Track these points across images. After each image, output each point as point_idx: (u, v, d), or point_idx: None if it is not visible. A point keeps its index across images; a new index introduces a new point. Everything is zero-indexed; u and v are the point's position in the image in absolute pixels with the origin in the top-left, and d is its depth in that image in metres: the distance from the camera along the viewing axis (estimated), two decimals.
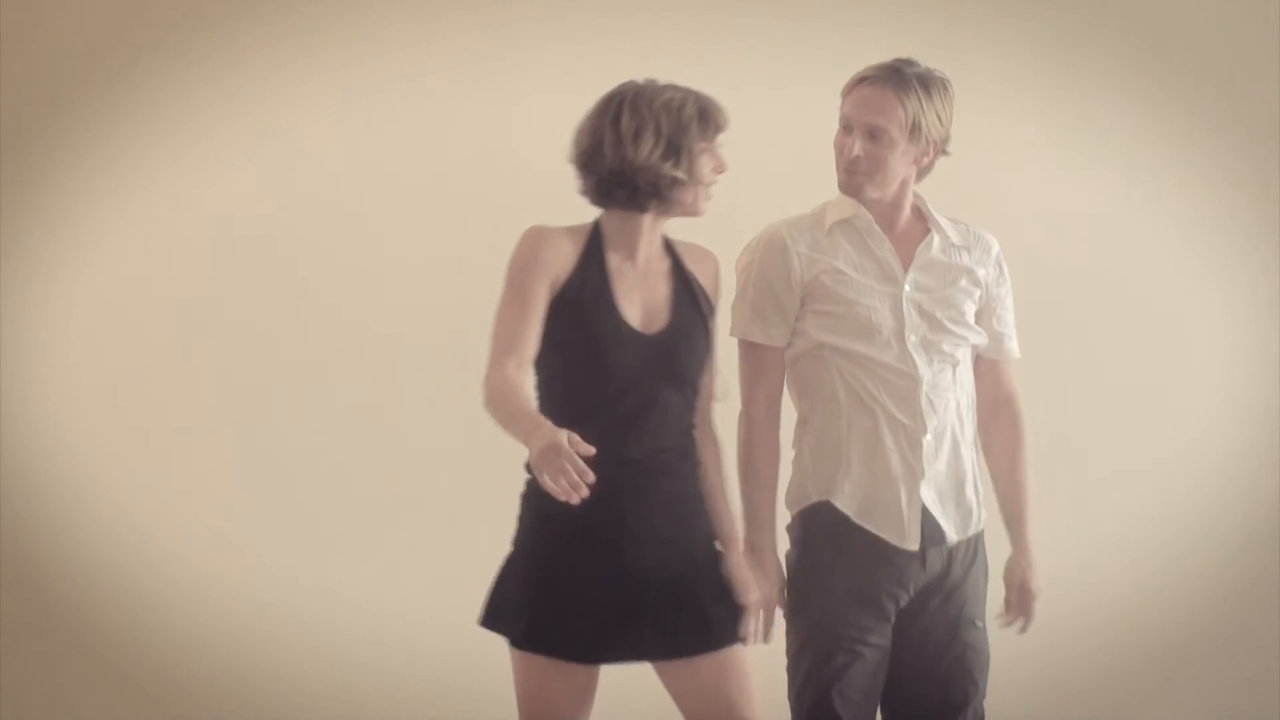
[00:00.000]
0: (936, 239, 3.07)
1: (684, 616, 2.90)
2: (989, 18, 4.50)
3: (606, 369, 2.90)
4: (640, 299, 2.95)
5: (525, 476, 2.94)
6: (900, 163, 3.00)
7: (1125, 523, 4.55)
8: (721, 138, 2.95)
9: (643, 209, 2.95)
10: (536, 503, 2.89)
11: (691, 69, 4.13)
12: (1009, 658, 4.44)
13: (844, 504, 2.98)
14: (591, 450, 2.65)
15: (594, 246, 2.95)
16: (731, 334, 3.07)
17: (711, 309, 3.01)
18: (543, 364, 2.93)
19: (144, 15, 4.30)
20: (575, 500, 2.65)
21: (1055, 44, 4.54)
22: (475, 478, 4.16)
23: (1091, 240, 4.57)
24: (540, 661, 2.89)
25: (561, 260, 2.92)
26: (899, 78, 2.97)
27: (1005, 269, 3.15)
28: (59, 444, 4.29)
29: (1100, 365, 4.58)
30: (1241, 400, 4.61)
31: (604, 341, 2.90)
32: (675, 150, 2.91)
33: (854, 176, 3.00)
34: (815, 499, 3.02)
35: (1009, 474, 3.14)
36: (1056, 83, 4.52)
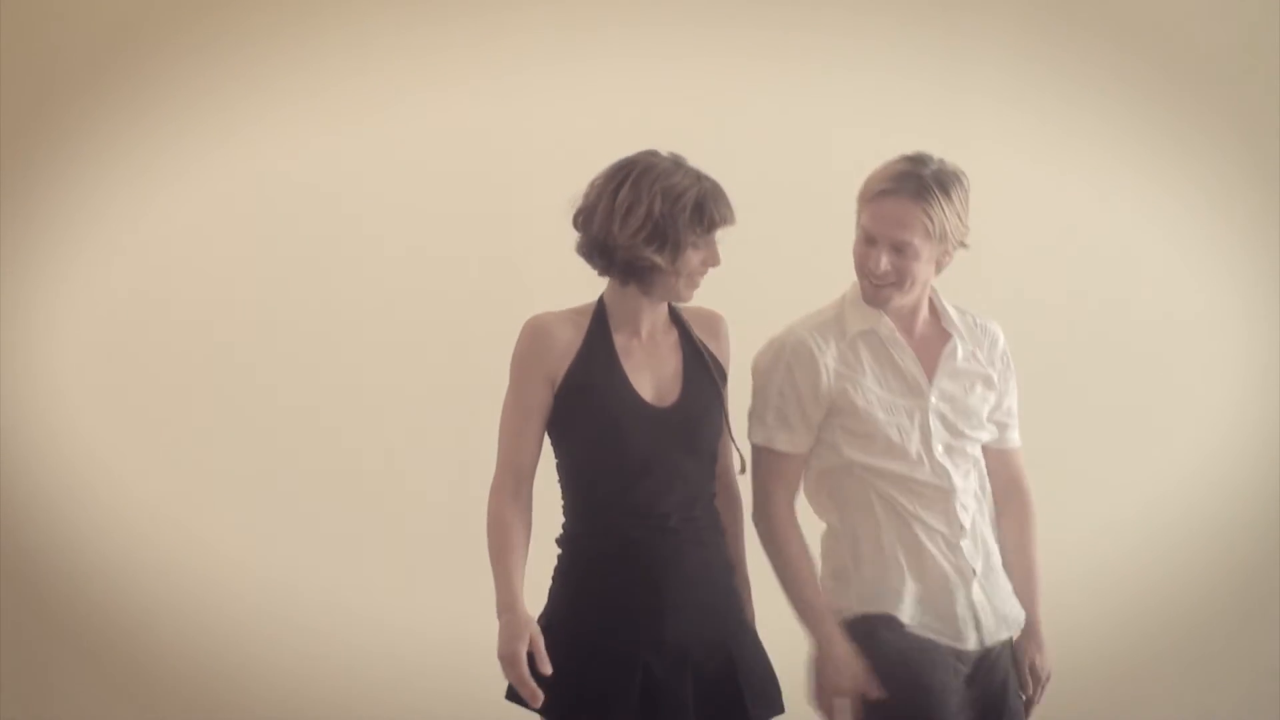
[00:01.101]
0: (960, 348, 3.02)
1: (723, 688, 2.87)
2: (989, 29, 4.49)
3: (626, 447, 2.86)
4: (651, 373, 2.92)
5: (558, 551, 2.93)
6: (926, 269, 2.94)
7: (1125, 522, 4.54)
8: (720, 233, 2.88)
9: (622, 284, 2.91)
10: (571, 577, 2.88)
11: (691, 82, 4.17)
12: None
13: (906, 615, 2.93)
14: (548, 669, 2.71)
15: (598, 326, 2.92)
16: (752, 439, 3.00)
17: (723, 375, 2.97)
18: (562, 450, 2.92)
19: (145, 20, 4.29)
20: (534, 705, 2.73)
21: (1055, 55, 4.54)
22: (477, 479, 4.18)
23: (1093, 247, 4.56)
24: None
25: (560, 349, 2.89)
26: (919, 185, 2.88)
27: (1009, 359, 3.11)
28: (59, 445, 4.28)
29: (1100, 366, 4.56)
30: (1241, 401, 4.60)
31: (620, 420, 2.86)
32: (661, 236, 2.84)
33: (881, 290, 2.93)
34: (861, 611, 2.96)
35: (1020, 557, 3.10)
36: (1056, 94, 4.52)
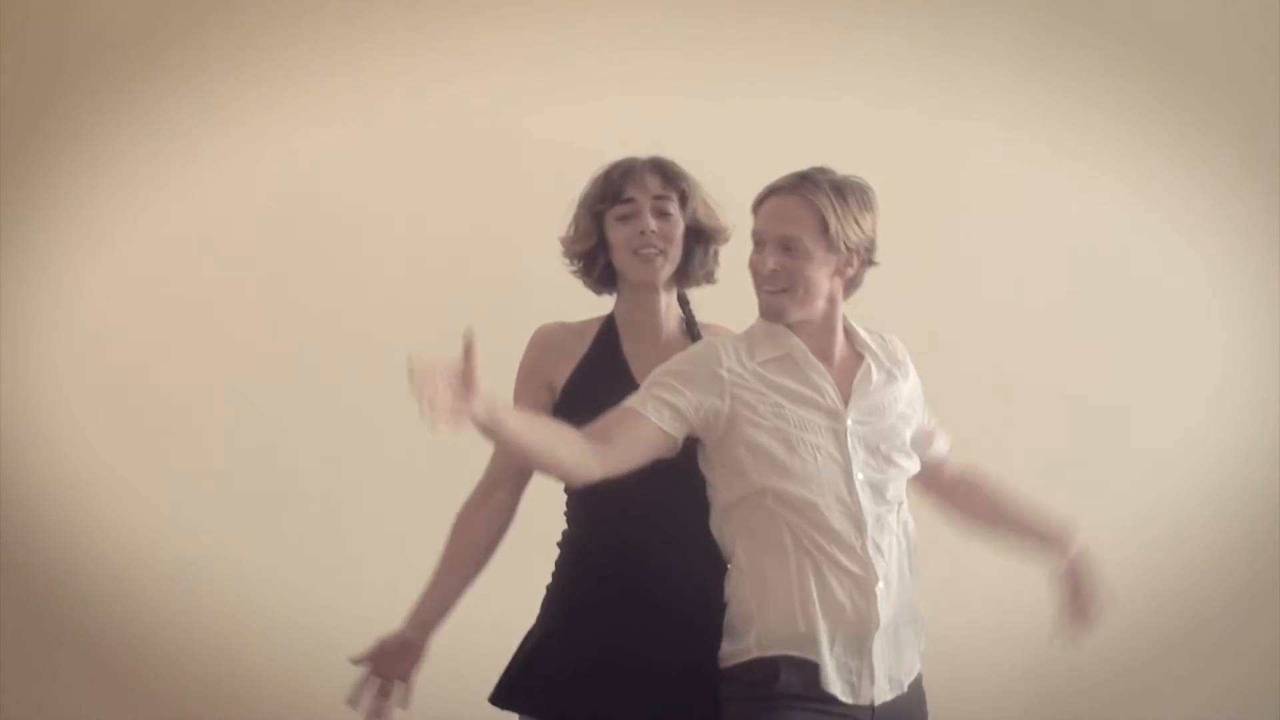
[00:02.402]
0: (875, 370, 2.90)
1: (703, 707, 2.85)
2: (983, 23, 4.56)
3: None
4: None
5: (551, 570, 2.96)
6: (820, 275, 2.83)
7: (1124, 526, 4.59)
8: (627, 208, 2.90)
9: (598, 292, 2.98)
10: (570, 586, 2.92)
11: (688, 82, 4.20)
12: (1009, 658, 4.51)
13: (822, 656, 2.81)
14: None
15: (606, 334, 2.98)
16: (626, 402, 2.82)
17: None
18: None
19: (145, 20, 4.38)
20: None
21: (1050, 50, 4.59)
22: (466, 474, 4.21)
23: (1092, 246, 4.66)
24: None
25: (562, 356, 2.95)
26: (808, 183, 2.81)
27: (912, 368, 3.00)
28: (59, 444, 4.37)
29: (1099, 367, 4.67)
30: (1243, 403, 4.71)
31: None
32: (577, 222, 2.95)
33: (774, 296, 2.83)
34: (759, 655, 2.84)
35: (1005, 497, 3.07)
36: (1051, 88, 4.56)
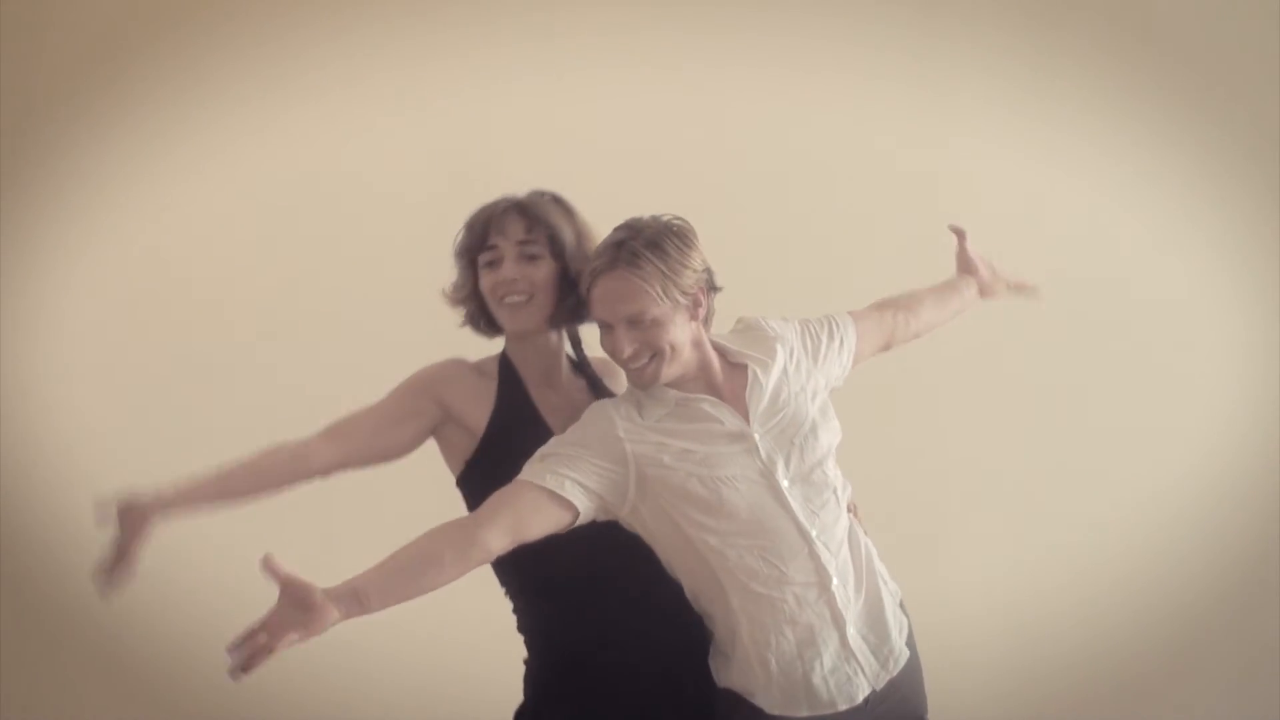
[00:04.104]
0: (760, 374, 2.82)
1: None
2: (972, 30, 4.50)
3: None
4: (567, 420, 2.82)
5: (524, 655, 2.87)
6: (677, 332, 2.76)
7: (1121, 518, 4.56)
8: (490, 254, 2.79)
9: (479, 331, 2.88)
10: (551, 676, 2.81)
11: (671, 90, 4.18)
12: (1007, 658, 4.51)
13: (769, 705, 2.77)
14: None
15: (508, 376, 2.86)
16: (521, 476, 2.70)
17: None
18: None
19: (141, 20, 4.32)
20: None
21: (1040, 55, 4.52)
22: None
23: (1086, 246, 4.57)
24: None
25: (472, 392, 2.82)
26: (625, 255, 2.71)
27: (783, 328, 2.92)
28: (62, 443, 4.31)
29: (1092, 363, 4.57)
30: (1240, 394, 4.61)
31: None
32: (461, 269, 2.86)
33: (645, 369, 2.75)
34: (729, 686, 2.83)
35: (916, 300, 3.16)
36: (1041, 94, 4.50)
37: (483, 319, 2.86)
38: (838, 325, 2.97)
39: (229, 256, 4.33)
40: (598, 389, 2.91)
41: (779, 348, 2.86)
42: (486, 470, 2.77)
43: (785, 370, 2.84)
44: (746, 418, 2.77)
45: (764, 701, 2.75)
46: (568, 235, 2.81)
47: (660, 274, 2.69)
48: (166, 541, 4.44)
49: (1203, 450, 4.57)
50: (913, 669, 2.88)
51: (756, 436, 2.75)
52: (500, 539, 2.62)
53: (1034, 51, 4.52)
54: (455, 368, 2.83)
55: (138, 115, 4.32)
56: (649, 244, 2.70)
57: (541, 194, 2.86)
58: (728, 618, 2.76)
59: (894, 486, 3.98)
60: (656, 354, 2.72)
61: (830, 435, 2.83)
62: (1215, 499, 4.57)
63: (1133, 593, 4.53)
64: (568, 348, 2.94)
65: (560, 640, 2.80)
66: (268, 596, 4.41)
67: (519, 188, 2.90)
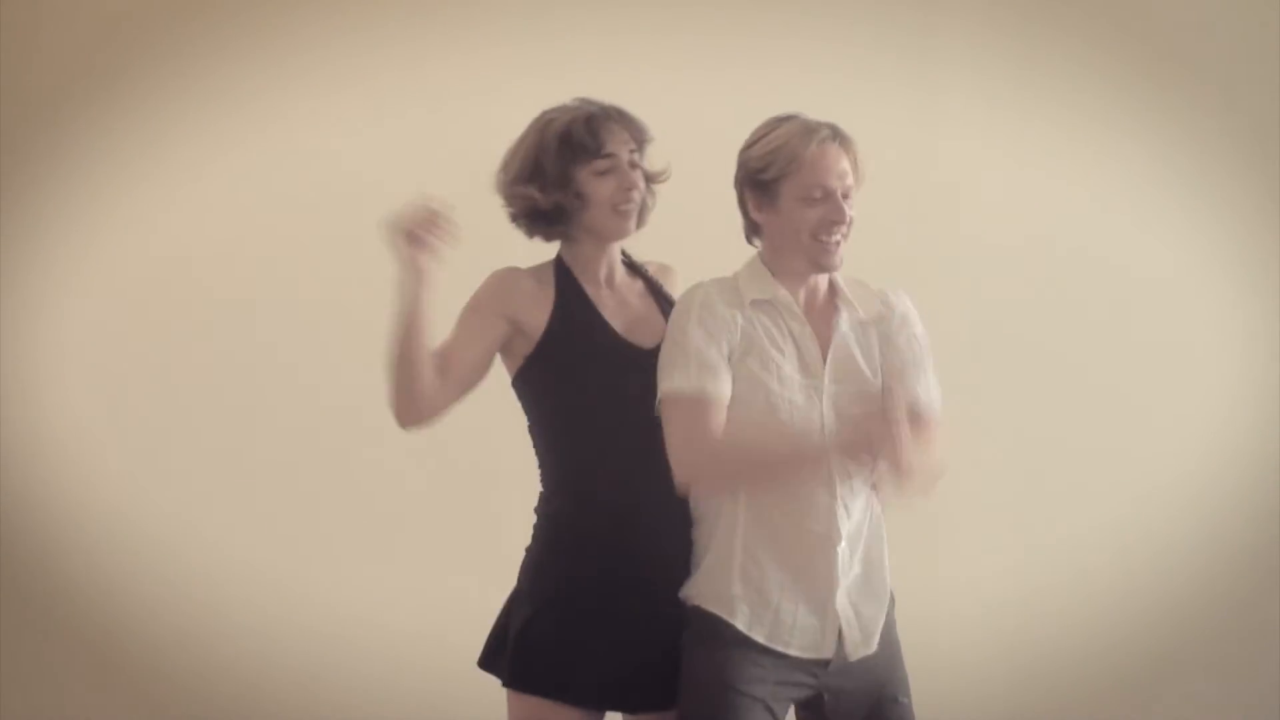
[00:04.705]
0: (845, 317, 2.86)
1: (672, 665, 2.81)
2: (965, 27, 4.52)
3: (618, 390, 2.81)
4: (626, 319, 2.89)
5: (533, 520, 2.91)
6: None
7: (1119, 519, 4.56)
8: (606, 163, 2.83)
9: (546, 238, 2.90)
10: (559, 549, 2.84)
11: (670, 86, 4.20)
12: (1002, 658, 4.52)
13: (744, 625, 2.79)
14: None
15: (565, 280, 2.90)
16: (676, 387, 2.75)
17: None
18: (547, 406, 2.87)
19: (142, 21, 4.34)
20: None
21: (1033, 53, 4.53)
22: (470, 479, 4.22)
23: (1081, 242, 4.56)
24: (548, 705, 2.81)
25: (528, 297, 2.86)
26: (841, 134, 2.82)
27: (915, 327, 2.92)
28: (60, 446, 4.33)
29: (1090, 362, 4.57)
30: (1239, 394, 4.61)
31: (610, 362, 2.83)
32: (540, 174, 2.84)
33: (838, 250, 2.81)
34: (698, 604, 2.83)
35: None
36: (1034, 93, 4.51)
37: (547, 222, 2.89)
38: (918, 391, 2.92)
39: (230, 257, 4.34)
40: (654, 289, 2.97)
41: (900, 322, 2.89)
42: (545, 368, 2.83)
43: (872, 342, 2.87)
44: (824, 357, 2.81)
45: (727, 610, 2.78)
46: (648, 142, 2.92)
47: (860, 158, 2.81)
48: (167, 542, 4.47)
49: (1202, 447, 4.57)
50: (890, 653, 2.89)
51: (826, 382, 2.80)
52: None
53: (1026, 47, 4.53)
54: (512, 278, 2.87)
55: (138, 115, 4.34)
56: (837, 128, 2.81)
57: (613, 105, 2.93)
58: (730, 523, 2.79)
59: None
60: (847, 235, 2.81)
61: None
62: (1215, 497, 4.58)
63: (1131, 592, 4.54)
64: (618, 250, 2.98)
65: (570, 521, 2.85)
66: (268, 597, 4.44)
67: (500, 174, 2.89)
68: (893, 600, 2.90)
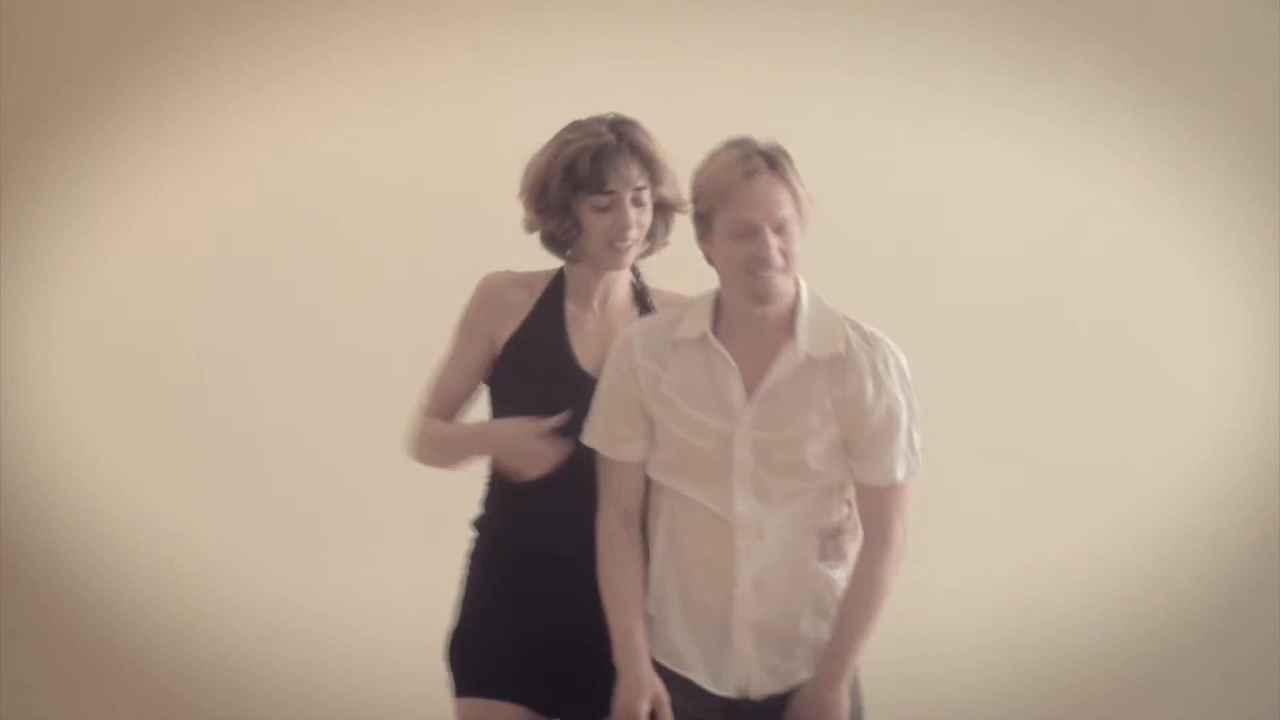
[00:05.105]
0: (785, 357, 2.69)
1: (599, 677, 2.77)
2: (962, 21, 4.42)
3: (552, 412, 2.75)
4: (598, 346, 2.82)
5: (471, 534, 2.92)
6: (799, 246, 2.70)
7: (1120, 526, 4.45)
8: (607, 199, 2.76)
9: (551, 252, 2.86)
10: (475, 554, 2.88)
11: (663, 83, 4.17)
12: (1005, 666, 4.52)
13: (657, 653, 2.73)
14: None
15: (552, 292, 2.86)
16: (583, 439, 2.75)
17: None
18: (498, 411, 2.86)
19: (143, 24, 4.27)
20: None
21: (1030, 48, 4.47)
22: (471, 480, 4.21)
23: (1080, 239, 4.46)
24: (476, 705, 2.81)
25: (507, 310, 2.83)
26: (772, 161, 2.66)
27: (889, 387, 2.69)
28: (57, 447, 4.27)
29: (1094, 368, 4.46)
30: (1240, 400, 4.50)
31: (553, 383, 2.78)
32: (545, 196, 2.79)
33: (774, 278, 2.65)
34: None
35: (849, 596, 2.73)
36: (1029, 89, 4.46)
37: (550, 242, 2.85)
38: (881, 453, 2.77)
39: (229, 257, 4.31)
40: None
41: (853, 369, 2.70)
42: (498, 377, 2.83)
43: (821, 391, 2.70)
44: (751, 391, 2.69)
45: (650, 630, 2.75)
46: (665, 174, 2.81)
47: (797, 184, 2.65)
48: (166, 542, 4.47)
49: (1202, 451, 4.49)
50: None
51: (745, 426, 2.68)
52: (622, 524, 2.71)
53: (1026, 42, 4.48)
54: (499, 292, 2.84)
55: (136, 112, 4.28)
56: (784, 155, 2.67)
57: (632, 124, 2.83)
58: (657, 548, 2.75)
59: None
60: (787, 267, 2.65)
61: (814, 480, 2.70)
62: (1214, 501, 4.49)
63: (1130, 598, 4.51)
64: (629, 276, 2.93)
65: (500, 526, 2.85)
66: (267, 595, 4.43)
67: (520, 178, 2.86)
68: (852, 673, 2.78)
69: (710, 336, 2.69)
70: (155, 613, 4.32)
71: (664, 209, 2.86)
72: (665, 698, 2.69)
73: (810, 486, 2.69)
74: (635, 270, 2.94)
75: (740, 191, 2.63)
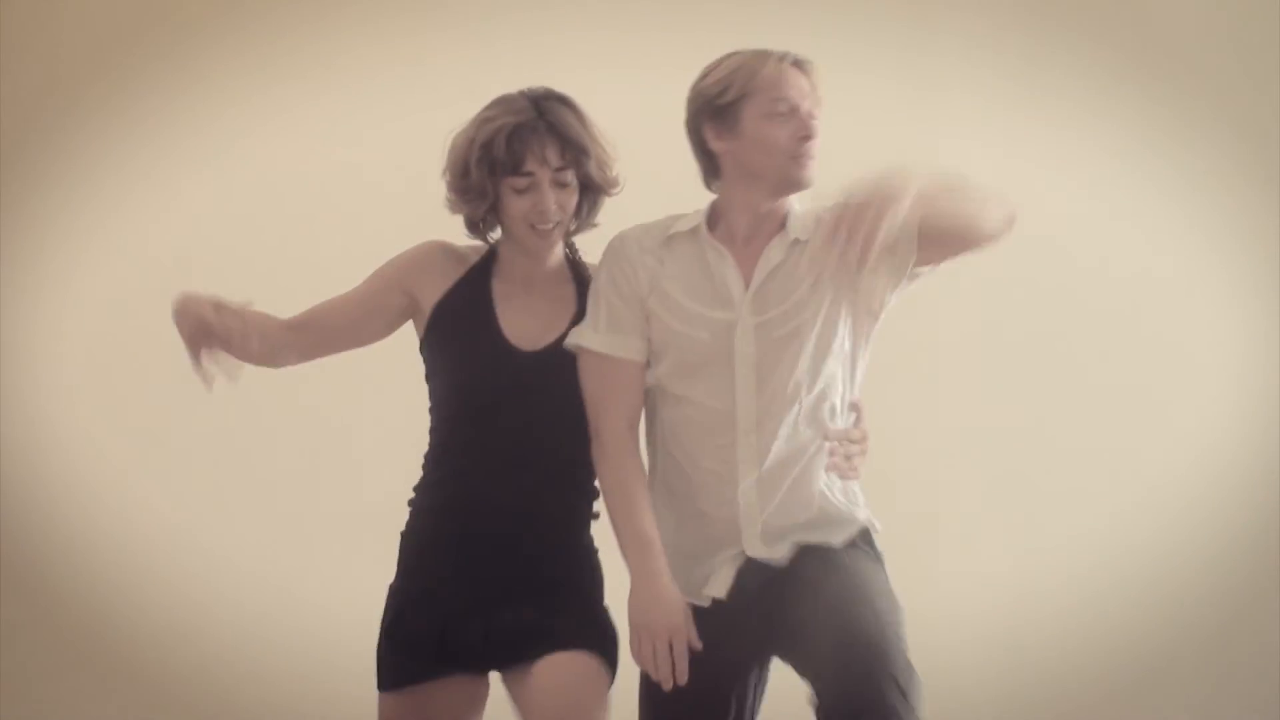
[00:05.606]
0: (777, 242, 2.76)
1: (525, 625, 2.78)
2: (964, 22, 4.55)
3: (478, 384, 2.81)
4: (528, 320, 2.84)
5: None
6: None
7: (1123, 521, 4.59)
8: (524, 181, 2.76)
9: (469, 234, 2.87)
10: (406, 531, 2.94)
11: (668, 85, 4.22)
12: (1006, 660, 4.53)
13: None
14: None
15: (481, 265, 2.88)
16: (580, 343, 2.78)
17: None
18: (429, 388, 2.89)
19: (136, 24, 4.39)
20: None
21: (1032, 49, 4.57)
22: None
23: (1078, 242, 4.59)
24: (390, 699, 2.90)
25: (437, 272, 2.85)
26: (796, 58, 2.78)
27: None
28: (59, 447, 4.39)
29: (1095, 365, 4.60)
30: (1242, 393, 4.64)
31: (477, 355, 2.81)
32: (465, 178, 2.80)
33: (810, 164, 2.73)
34: None
35: None
36: (1033, 89, 4.54)
37: (486, 226, 2.87)
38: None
39: (229, 257, 4.36)
40: (585, 295, 2.88)
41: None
42: (426, 347, 2.84)
43: (795, 260, 2.77)
44: (748, 284, 2.74)
45: None
46: (593, 152, 2.80)
47: (822, 91, 2.75)
48: (166, 542, 4.48)
49: (1202, 448, 4.61)
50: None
51: (744, 312, 2.73)
52: (624, 422, 2.76)
53: (1026, 43, 4.54)
54: (431, 253, 2.86)
55: (136, 113, 4.38)
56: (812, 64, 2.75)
57: (560, 101, 2.83)
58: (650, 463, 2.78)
59: (890, 488, 3.99)
60: (817, 155, 2.72)
61: (821, 373, 2.75)
62: (1215, 498, 4.61)
63: (1131, 594, 4.57)
64: (561, 251, 2.93)
65: (416, 506, 2.92)
66: (267, 595, 4.44)
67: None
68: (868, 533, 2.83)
69: (703, 228, 2.76)
70: (155, 612, 4.37)
71: (591, 190, 2.85)
72: (688, 611, 2.69)
73: (807, 376, 2.72)
74: (570, 244, 2.95)
75: (776, 74, 2.72)
